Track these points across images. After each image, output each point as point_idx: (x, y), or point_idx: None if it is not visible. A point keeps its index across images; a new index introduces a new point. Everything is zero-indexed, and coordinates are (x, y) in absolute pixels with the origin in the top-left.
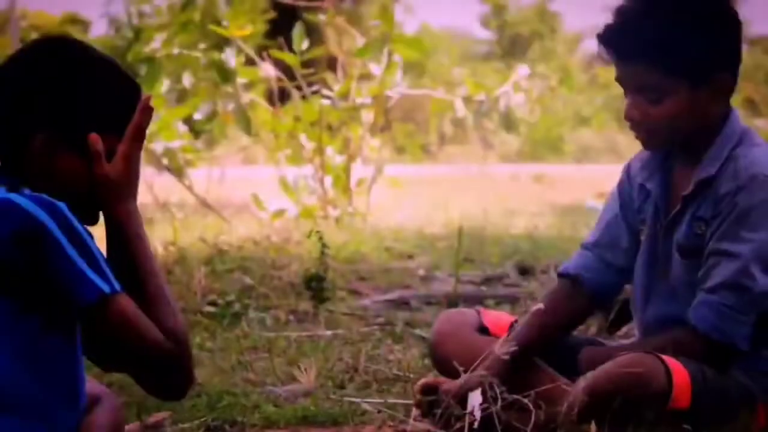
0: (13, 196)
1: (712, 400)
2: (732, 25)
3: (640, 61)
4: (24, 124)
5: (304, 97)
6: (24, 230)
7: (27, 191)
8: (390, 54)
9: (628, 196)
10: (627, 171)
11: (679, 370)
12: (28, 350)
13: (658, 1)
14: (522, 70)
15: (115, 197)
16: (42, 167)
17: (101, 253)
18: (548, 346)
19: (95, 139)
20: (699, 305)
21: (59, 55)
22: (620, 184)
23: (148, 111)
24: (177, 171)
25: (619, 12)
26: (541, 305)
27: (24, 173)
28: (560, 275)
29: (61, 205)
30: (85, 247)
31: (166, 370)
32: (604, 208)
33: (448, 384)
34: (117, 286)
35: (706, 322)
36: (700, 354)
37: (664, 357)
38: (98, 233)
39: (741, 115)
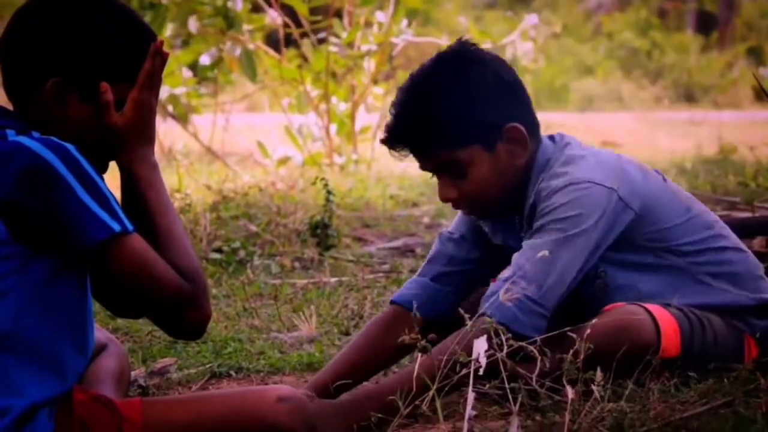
0: (22, 139)
1: (701, 346)
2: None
3: (429, 147)
4: (36, 69)
5: (312, 45)
6: (32, 171)
7: (36, 134)
8: (396, 1)
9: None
10: (461, 239)
11: (666, 318)
12: (39, 294)
13: (413, 85)
14: (530, 18)
15: (124, 145)
16: (52, 114)
17: (112, 194)
18: (377, 370)
19: (104, 89)
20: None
21: (73, 1)
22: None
23: (159, 56)
24: (182, 118)
25: (393, 108)
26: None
27: (35, 119)
28: (392, 302)
29: (70, 146)
30: (94, 187)
31: (182, 310)
32: (436, 247)
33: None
34: (129, 226)
35: (502, 315)
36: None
37: (650, 307)
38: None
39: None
